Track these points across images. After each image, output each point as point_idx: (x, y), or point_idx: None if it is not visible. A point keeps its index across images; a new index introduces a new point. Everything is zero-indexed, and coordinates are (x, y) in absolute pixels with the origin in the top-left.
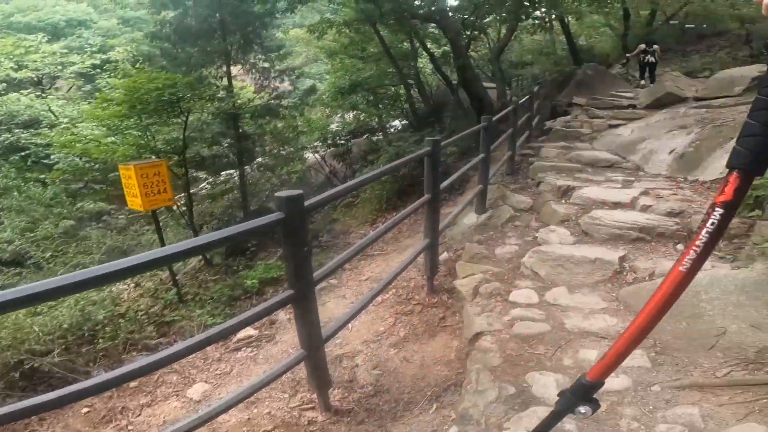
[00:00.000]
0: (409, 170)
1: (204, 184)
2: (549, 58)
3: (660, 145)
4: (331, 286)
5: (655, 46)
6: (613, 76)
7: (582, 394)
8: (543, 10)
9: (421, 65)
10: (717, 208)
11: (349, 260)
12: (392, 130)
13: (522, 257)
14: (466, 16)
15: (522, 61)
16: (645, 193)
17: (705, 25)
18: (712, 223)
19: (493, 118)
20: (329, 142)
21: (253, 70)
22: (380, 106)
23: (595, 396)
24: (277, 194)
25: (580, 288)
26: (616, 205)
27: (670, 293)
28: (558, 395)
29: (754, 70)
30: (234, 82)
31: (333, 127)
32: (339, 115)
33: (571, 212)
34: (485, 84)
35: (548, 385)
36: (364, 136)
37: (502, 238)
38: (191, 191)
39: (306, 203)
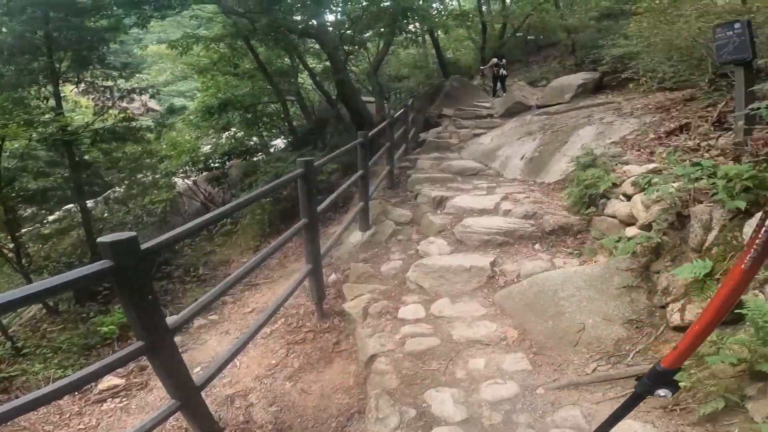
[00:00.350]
0: (291, 191)
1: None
2: (422, 71)
3: (513, 152)
4: (212, 322)
5: (504, 60)
6: (475, 88)
7: (658, 379)
8: (417, 24)
9: (302, 81)
10: None
11: (215, 300)
12: (273, 149)
13: (407, 272)
14: (343, 31)
15: (399, 74)
16: (505, 198)
17: (542, 37)
18: None
19: (369, 134)
20: (200, 166)
21: (92, 90)
22: (260, 124)
23: (675, 379)
24: (100, 240)
25: (461, 297)
26: (483, 211)
27: (734, 289)
28: (636, 379)
29: (578, 78)
30: (74, 103)
31: (205, 149)
32: (211, 136)
33: (447, 222)
34: (366, 98)
35: (445, 402)
36: (242, 158)
37: (387, 254)
38: (25, 230)
39: (145, 246)
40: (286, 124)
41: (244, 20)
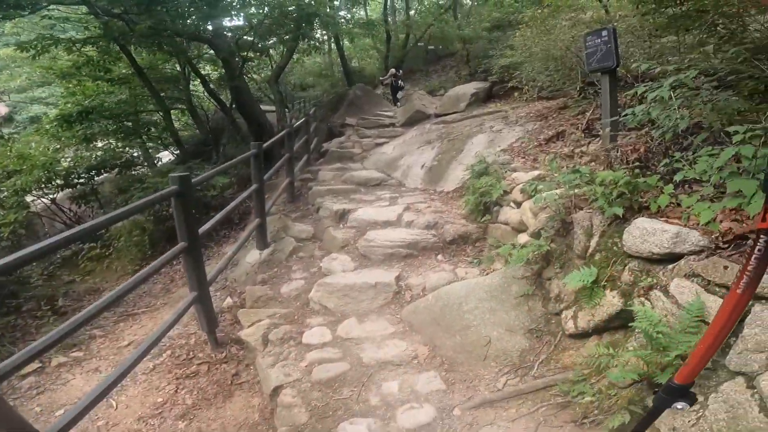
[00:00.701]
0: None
1: None
2: (327, 79)
3: (414, 161)
4: (75, 360)
5: (401, 72)
6: (378, 97)
7: (673, 393)
8: (323, 32)
9: (194, 89)
10: (762, 236)
11: (71, 333)
12: (159, 162)
13: (310, 292)
14: (241, 37)
15: (305, 83)
16: (407, 208)
17: (441, 47)
18: (759, 250)
19: (265, 144)
20: (59, 182)
21: None
22: (142, 134)
23: (692, 391)
24: None
25: (368, 315)
26: (387, 223)
27: (731, 312)
28: (653, 393)
29: (471, 87)
30: None
31: (66, 162)
32: (75, 148)
33: (350, 236)
34: (267, 108)
35: None
36: (119, 172)
37: (288, 273)
38: None
39: None
40: (168, 134)
41: (118, 22)
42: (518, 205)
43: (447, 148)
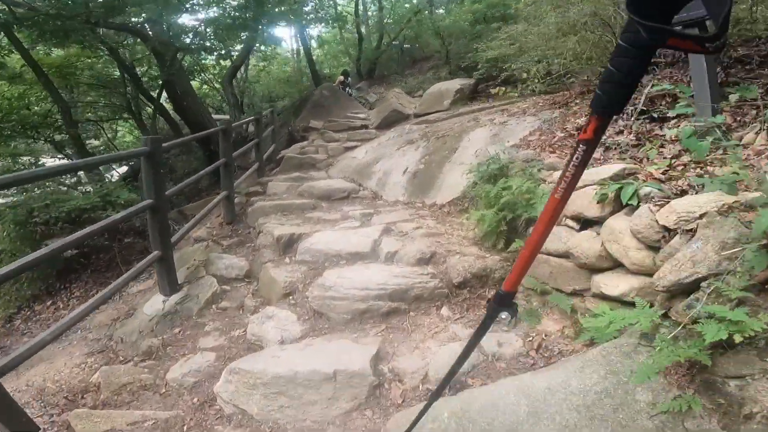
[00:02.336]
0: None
1: None
2: (296, 87)
3: (393, 165)
4: None
5: (349, 79)
6: (349, 98)
7: (500, 302)
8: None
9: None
10: (581, 145)
11: None
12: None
13: (218, 381)
14: (177, 25)
15: (273, 94)
16: (387, 231)
17: (417, 45)
18: (577, 158)
19: (167, 143)
20: None
21: None
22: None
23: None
24: None
25: None
26: (355, 256)
27: (551, 216)
28: (486, 302)
29: (456, 83)
30: None
31: None
32: None
33: (297, 278)
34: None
35: None
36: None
37: (195, 337)
38: None
39: None
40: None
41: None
42: (587, 224)
43: (436, 147)
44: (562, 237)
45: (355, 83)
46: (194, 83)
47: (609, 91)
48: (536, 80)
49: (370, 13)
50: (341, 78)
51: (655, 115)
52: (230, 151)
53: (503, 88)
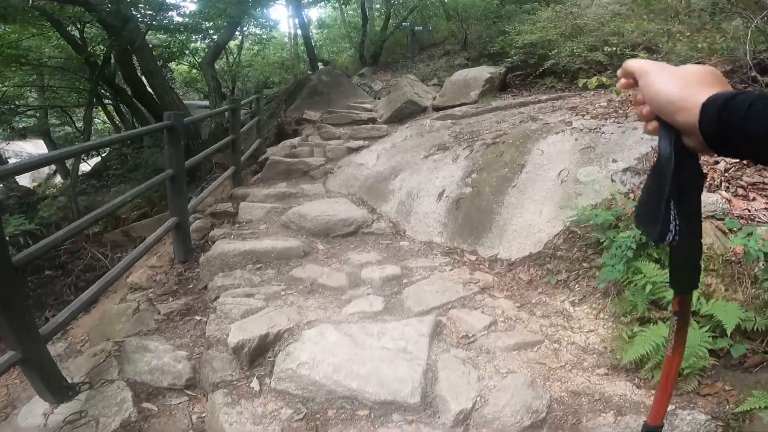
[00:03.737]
0: None
1: None
2: (292, 72)
3: (421, 182)
4: None
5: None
6: (352, 85)
7: None
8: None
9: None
10: (674, 316)
11: None
12: None
13: None
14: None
15: (269, 81)
16: (437, 333)
17: (431, 28)
18: (674, 328)
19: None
20: None
21: None
22: None
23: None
24: None
25: None
26: (389, 407)
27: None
28: None
29: (484, 72)
30: None
31: None
32: None
33: None
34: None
35: None
36: None
37: None
38: None
39: None
40: None
41: None
42: None
43: (487, 160)
44: None
45: (358, 70)
46: (183, 67)
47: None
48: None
49: None
50: (321, 67)
51: None
52: (180, 158)
53: (548, 79)
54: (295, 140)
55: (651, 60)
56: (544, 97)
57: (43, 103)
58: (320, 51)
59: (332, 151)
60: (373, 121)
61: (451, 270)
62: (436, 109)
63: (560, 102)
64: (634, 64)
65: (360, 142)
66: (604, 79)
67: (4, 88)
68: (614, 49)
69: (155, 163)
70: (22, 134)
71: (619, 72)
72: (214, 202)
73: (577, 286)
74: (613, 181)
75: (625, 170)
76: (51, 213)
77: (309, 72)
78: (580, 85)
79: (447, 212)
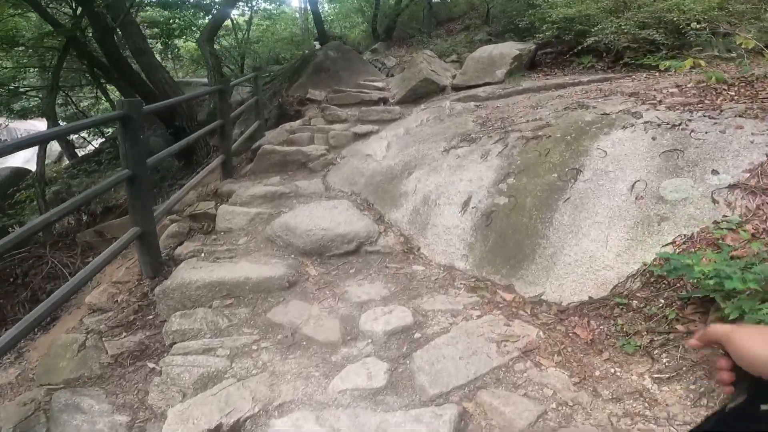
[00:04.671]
0: None
1: None
2: (301, 47)
3: (441, 186)
4: None
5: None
6: (363, 61)
7: None
8: None
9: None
10: None
11: None
12: None
13: None
14: None
15: (280, 57)
16: (463, 425)
17: (449, 0)
18: None
19: None
20: None
21: None
22: None
23: None
24: None
25: None
26: None
27: None
28: None
29: (511, 48)
30: None
31: None
32: None
33: None
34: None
35: None
36: None
37: None
38: None
39: None
40: None
41: None
42: None
43: (528, 160)
44: None
45: (370, 45)
46: (191, 44)
47: None
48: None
49: None
50: (317, 45)
51: None
52: (140, 155)
53: (585, 58)
54: (296, 123)
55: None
56: (584, 79)
57: (44, 83)
58: (331, 26)
59: (336, 137)
60: (384, 101)
61: (479, 317)
62: (456, 88)
63: (608, 85)
64: (718, 330)
65: (369, 127)
66: (701, 61)
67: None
68: (679, 26)
69: (147, 145)
70: (21, 114)
71: (696, 338)
72: (196, 199)
73: (664, 355)
74: (714, 201)
75: (731, 187)
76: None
77: (316, 45)
78: (650, 65)
79: (474, 228)
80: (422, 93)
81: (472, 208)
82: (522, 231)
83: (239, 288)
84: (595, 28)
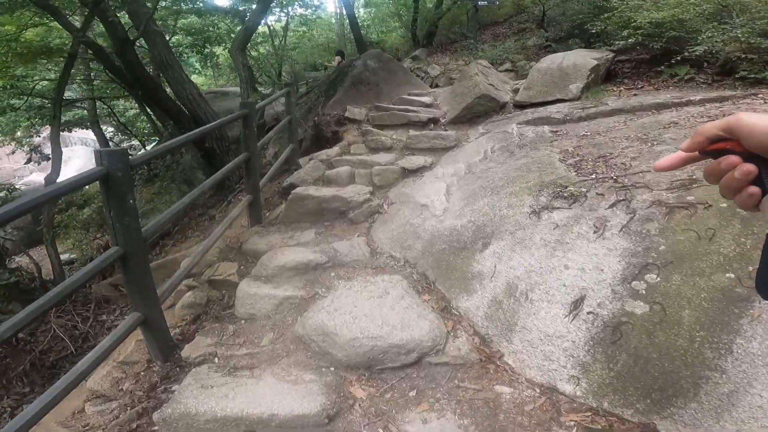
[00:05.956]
0: None
1: None
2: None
3: (534, 270)
4: None
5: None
6: (405, 72)
7: None
8: None
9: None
10: None
11: None
12: None
13: None
14: None
15: (318, 64)
16: None
17: (498, 2)
18: None
19: None
20: None
21: None
22: None
23: None
24: None
25: None
26: None
27: None
28: None
29: (585, 57)
30: None
31: None
32: None
33: None
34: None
35: None
36: None
37: None
38: None
39: None
40: None
41: None
42: None
43: (676, 244)
44: None
45: (410, 52)
46: (222, 52)
47: None
48: None
49: None
50: (338, 59)
51: None
52: (132, 223)
53: (681, 69)
54: (333, 151)
55: None
56: (695, 97)
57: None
58: (368, 31)
59: (381, 174)
60: (434, 122)
61: None
62: (520, 106)
63: (732, 107)
64: (730, 120)
65: (420, 159)
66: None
67: (44, 82)
68: None
69: (174, 176)
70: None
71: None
72: (218, 255)
73: None
74: None
75: None
76: None
77: (356, 56)
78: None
79: (591, 342)
80: (479, 112)
81: (588, 313)
82: (676, 357)
83: (262, 425)
84: (702, 36)
